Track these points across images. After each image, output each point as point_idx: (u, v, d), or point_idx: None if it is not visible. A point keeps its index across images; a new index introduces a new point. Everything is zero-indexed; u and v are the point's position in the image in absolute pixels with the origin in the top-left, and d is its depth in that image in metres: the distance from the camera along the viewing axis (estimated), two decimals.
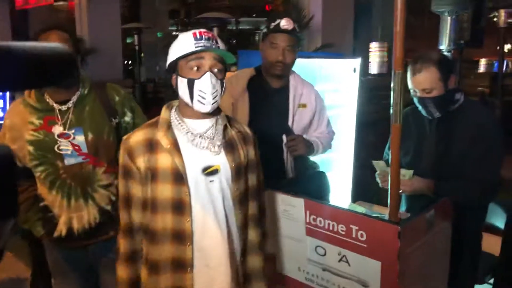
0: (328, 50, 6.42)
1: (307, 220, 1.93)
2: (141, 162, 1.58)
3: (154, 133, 1.59)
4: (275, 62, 2.23)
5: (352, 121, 3.71)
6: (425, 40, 9.81)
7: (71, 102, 1.96)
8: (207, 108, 1.55)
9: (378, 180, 2.25)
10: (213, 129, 1.63)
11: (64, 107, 1.95)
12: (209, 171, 1.60)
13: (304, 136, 2.36)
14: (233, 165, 1.62)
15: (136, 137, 1.59)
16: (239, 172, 1.65)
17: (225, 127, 1.65)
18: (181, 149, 1.57)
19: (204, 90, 1.52)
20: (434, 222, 1.82)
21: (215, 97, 1.54)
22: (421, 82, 2.08)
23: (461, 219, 2.01)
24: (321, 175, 2.36)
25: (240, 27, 12.00)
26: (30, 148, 1.92)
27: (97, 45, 10.27)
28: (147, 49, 12.51)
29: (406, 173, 2.03)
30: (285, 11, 7.47)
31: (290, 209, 1.97)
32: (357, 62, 3.60)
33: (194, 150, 1.59)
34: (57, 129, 1.93)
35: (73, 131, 1.93)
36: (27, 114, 1.94)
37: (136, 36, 9.25)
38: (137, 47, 9.29)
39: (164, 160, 1.56)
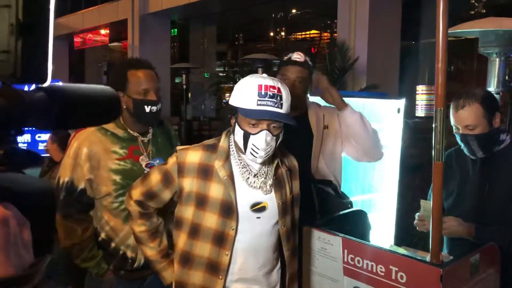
0: (373, 91, 6.40)
1: (345, 260, 1.88)
2: (188, 183, 1.61)
3: (211, 159, 1.62)
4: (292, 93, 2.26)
5: (395, 162, 3.63)
6: (473, 83, 9.63)
7: (149, 134, 2.06)
8: (258, 161, 1.58)
9: (415, 221, 2.17)
10: (266, 168, 1.65)
11: (145, 139, 2.04)
12: (257, 208, 1.62)
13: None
14: (280, 203, 1.64)
15: (193, 157, 1.62)
16: (285, 209, 1.67)
17: (277, 166, 1.67)
18: (235, 182, 1.60)
19: (257, 146, 1.54)
20: (479, 267, 1.73)
21: (267, 152, 1.56)
22: (464, 118, 2.01)
23: (504, 267, 1.89)
24: (361, 214, 2.30)
25: None
26: (117, 177, 1.93)
27: None
28: (194, 88, 12.92)
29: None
30: (329, 53, 7.56)
31: (328, 247, 1.93)
32: (401, 102, 3.55)
33: (246, 186, 1.62)
34: (144, 160, 2.00)
35: (157, 161, 2.01)
36: (109, 143, 1.95)
37: (184, 76, 9.55)
38: (184, 86, 9.58)
39: (216, 190, 1.59)
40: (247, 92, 1.53)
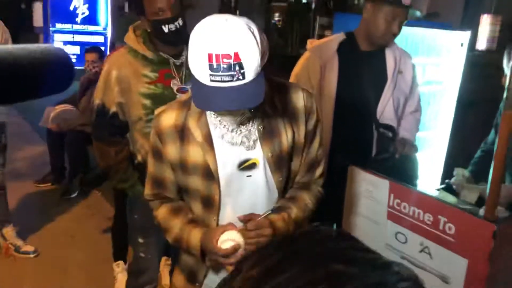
0: (434, 20, 5.95)
1: (390, 204, 1.80)
2: (172, 150, 1.41)
3: (186, 118, 1.39)
4: (389, 34, 2.08)
5: (452, 100, 3.42)
6: None
7: (183, 56, 1.93)
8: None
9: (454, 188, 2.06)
10: (250, 118, 1.38)
11: (178, 61, 1.93)
12: (246, 166, 1.40)
13: (403, 132, 2.25)
14: (271, 156, 1.39)
15: (168, 120, 1.41)
16: (280, 161, 1.42)
17: (264, 112, 1.38)
18: (214, 142, 1.38)
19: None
20: None
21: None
22: None
23: None
24: (411, 158, 2.19)
25: None
26: (147, 101, 1.88)
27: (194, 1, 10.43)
28: (243, 5, 12.47)
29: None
30: None
31: (373, 189, 1.85)
32: (466, 35, 3.28)
33: (227, 143, 1.39)
34: (176, 84, 1.91)
35: (189, 85, 1.86)
36: (139, 65, 1.89)
37: None
38: (233, 4, 9.26)
39: (195, 154, 1.39)
40: (197, 64, 1.18)
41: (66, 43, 9.53)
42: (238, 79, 1.15)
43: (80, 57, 9.52)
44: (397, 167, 2.05)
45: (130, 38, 1.92)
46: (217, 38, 1.14)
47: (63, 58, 0.44)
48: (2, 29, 3.01)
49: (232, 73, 1.14)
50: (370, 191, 1.86)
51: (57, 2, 9.33)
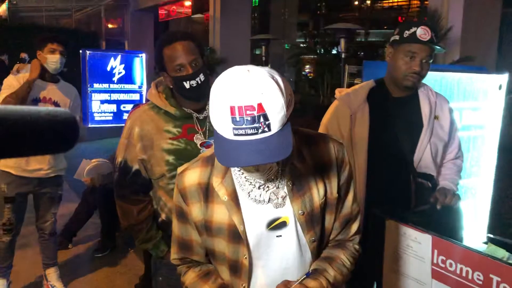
0: (467, 64, 5.83)
1: (434, 261, 1.64)
2: (196, 209, 1.32)
3: (210, 175, 1.31)
4: (410, 73, 1.99)
5: (494, 145, 3.24)
6: None
7: (206, 110, 1.88)
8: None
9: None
10: (277, 174, 1.28)
11: (201, 116, 1.89)
12: (275, 225, 1.29)
13: (443, 181, 2.10)
14: (302, 213, 1.28)
15: (191, 178, 1.33)
16: (312, 219, 1.30)
17: (292, 167, 1.28)
18: (240, 201, 1.28)
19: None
20: None
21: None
22: None
23: None
24: (454, 209, 2.03)
25: (370, 39, 11.61)
26: (170, 157, 1.82)
27: (227, 55, 10.69)
28: (274, 60, 12.69)
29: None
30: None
31: (415, 245, 1.70)
32: (503, 78, 3.14)
33: (254, 202, 1.29)
34: (199, 138, 1.86)
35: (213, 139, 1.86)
36: (161, 121, 1.85)
37: (264, 47, 9.37)
38: (264, 58, 9.42)
39: (220, 214, 1.29)
40: (219, 117, 1.08)
41: (103, 101, 9.86)
42: (263, 131, 1.05)
43: (116, 115, 9.88)
44: (439, 219, 1.90)
45: (152, 94, 1.90)
46: (238, 89, 1.05)
47: (67, 118, 0.48)
48: (76, 95, 3.34)
49: (257, 125, 1.04)
50: (411, 247, 1.71)
51: (95, 63, 9.71)
